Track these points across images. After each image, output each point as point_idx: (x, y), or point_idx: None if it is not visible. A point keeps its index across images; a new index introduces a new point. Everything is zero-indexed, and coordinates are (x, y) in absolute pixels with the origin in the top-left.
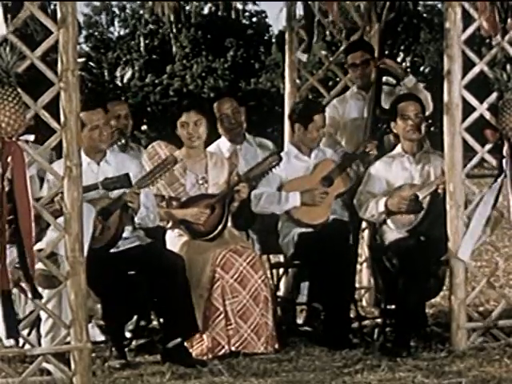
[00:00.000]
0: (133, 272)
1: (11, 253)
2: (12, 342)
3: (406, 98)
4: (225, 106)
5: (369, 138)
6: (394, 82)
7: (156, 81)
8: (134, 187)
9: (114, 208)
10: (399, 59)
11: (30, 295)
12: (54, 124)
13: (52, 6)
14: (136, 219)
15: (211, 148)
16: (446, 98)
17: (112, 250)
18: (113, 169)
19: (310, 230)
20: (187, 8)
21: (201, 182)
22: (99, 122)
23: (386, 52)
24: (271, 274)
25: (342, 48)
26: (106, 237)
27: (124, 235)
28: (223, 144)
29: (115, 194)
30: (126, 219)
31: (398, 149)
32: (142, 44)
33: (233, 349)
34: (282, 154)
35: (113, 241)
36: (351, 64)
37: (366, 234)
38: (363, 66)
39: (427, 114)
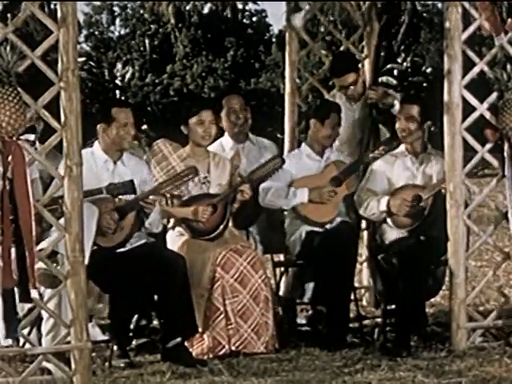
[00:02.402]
0: (136, 271)
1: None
2: (10, 341)
3: (401, 102)
4: (234, 101)
5: (378, 143)
6: (395, 82)
7: (156, 80)
8: (152, 192)
9: (130, 209)
10: (400, 59)
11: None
12: (54, 123)
13: (52, 6)
14: (146, 223)
15: (214, 146)
16: (446, 97)
17: (120, 250)
18: (128, 170)
19: (317, 228)
20: (187, 7)
21: (203, 181)
22: (128, 120)
23: (382, 53)
24: (274, 273)
25: (342, 48)
26: (119, 237)
27: None
28: (226, 142)
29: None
30: (138, 222)
31: (402, 148)
32: (147, 44)
33: (233, 348)
34: (295, 151)
35: (124, 242)
36: (340, 86)
37: (365, 234)
38: (353, 85)
39: None
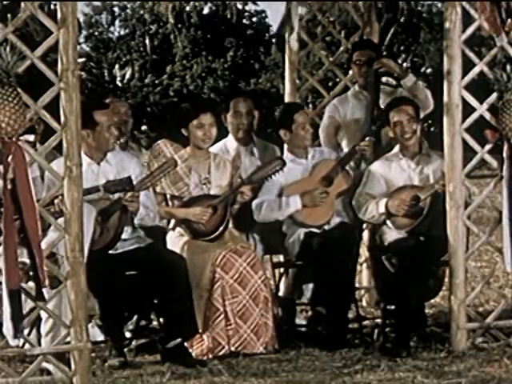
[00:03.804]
0: (133, 272)
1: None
2: (17, 341)
3: (396, 105)
4: (241, 105)
5: (365, 134)
6: (395, 82)
7: (156, 81)
8: (135, 189)
9: (114, 210)
10: (400, 60)
11: (33, 295)
12: (54, 124)
13: (52, 6)
14: (135, 220)
15: (217, 146)
16: (445, 98)
17: (111, 252)
18: (113, 168)
19: (316, 230)
20: (187, 8)
21: (204, 182)
22: (111, 122)
23: (384, 53)
24: (273, 273)
25: (341, 48)
26: (105, 239)
27: (123, 236)
28: (230, 144)
29: (115, 195)
30: (125, 221)
31: (396, 150)
32: (148, 44)
33: (232, 349)
34: None
35: (112, 243)
36: (356, 61)
37: (365, 234)
38: (368, 64)
39: (428, 111)
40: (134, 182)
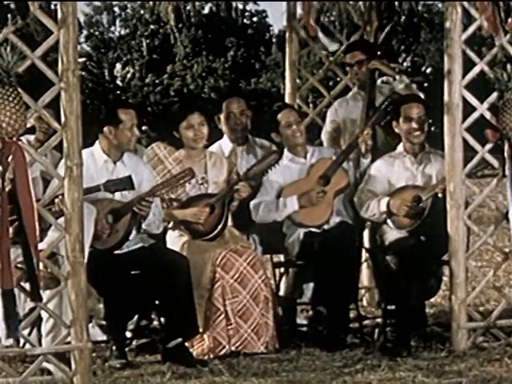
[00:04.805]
0: (135, 272)
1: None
2: (11, 341)
3: (410, 100)
4: (234, 105)
5: (363, 127)
6: (391, 80)
7: (156, 81)
8: (149, 194)
9: (125, 211)
10: (400, 60)
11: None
12: (54, 124)
13: (52, 6)
14: (143, 225)
15: (213, 148)
16: (446, 97)
17: (116, 252)
18: (127, 170)
19: (315, 229)
20: (187, 8)
21: (201, 182)
22: (133, 121)
23: (379, 53)
24: (273, 273)
25: (342, 48)
26: (114, 239)
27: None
28: (225, 144)
29: (127, 197)
30: (134, 223)
31: (400, 149)
32: (144, 44)
33: (233, 349)
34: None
35: (120, 244)
36: (347, 64)
37: (365, 234)
38: (358, 66)
39: None
40: (147, 189)
